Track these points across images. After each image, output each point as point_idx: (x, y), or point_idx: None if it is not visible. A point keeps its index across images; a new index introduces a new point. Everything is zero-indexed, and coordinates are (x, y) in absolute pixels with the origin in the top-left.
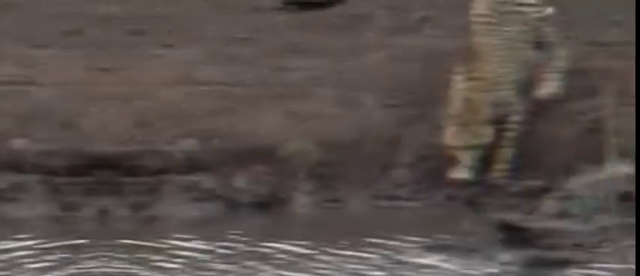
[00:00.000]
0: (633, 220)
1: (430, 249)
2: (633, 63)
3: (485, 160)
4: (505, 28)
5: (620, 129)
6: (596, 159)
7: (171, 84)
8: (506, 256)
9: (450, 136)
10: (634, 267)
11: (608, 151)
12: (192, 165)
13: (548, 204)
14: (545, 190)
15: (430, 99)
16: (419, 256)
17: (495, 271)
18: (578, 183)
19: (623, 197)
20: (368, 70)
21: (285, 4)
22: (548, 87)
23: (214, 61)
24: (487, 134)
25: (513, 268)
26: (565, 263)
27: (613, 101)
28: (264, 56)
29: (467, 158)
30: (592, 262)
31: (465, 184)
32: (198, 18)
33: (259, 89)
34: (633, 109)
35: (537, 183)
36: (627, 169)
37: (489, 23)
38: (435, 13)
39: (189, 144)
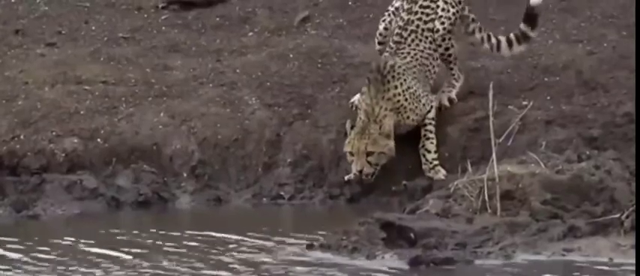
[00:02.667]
0: (515, 219)
1: (312, 247)
2: (514, 62)
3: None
4: (413, 47)
5: (502, 128)
6: (479, 158)
7: (54, 83)
8: (388, 255)
9: (348, 143)
10: (514, 267)
11: (491, 150)
12: (75, 164)
13: (431, 203)
14: (427, 190)
15: (311, 98)
16: (301, 254)
17: (377, 269)
18: (461, 182)
19: (505, 196)
20: (250, 70)
21: (168, 4)
22: (448, 93)
23: (97, 60)
24: (386, 144)
25: (395, 267)
26: (447, 262)
27: (495, 101)
28: (146, 55)
29: (358, 162)
30: (474, 261)
31: (347, 182)
32: (80, 17)
33: (141, 88)
34: (514, 109)
35: (420, 182)
36: (509, 168)
37: (398, 42)
38: (316, 13)
39: (72, 143)
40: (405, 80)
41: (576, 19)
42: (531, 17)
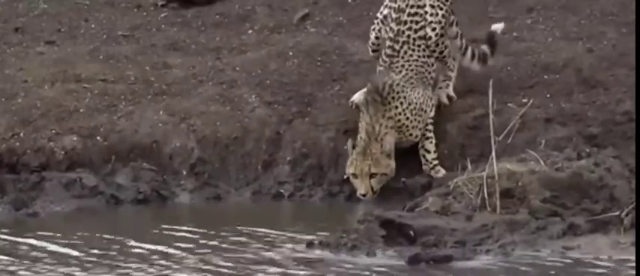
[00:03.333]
0: (514, 217)
1: (312, 245)
2: (514, 59)
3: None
4: (407, 59)
5: (501, 126)
6: (478, 156)
7: (53, 81)
8: (388, 252)
9: (350, 164)
10: (514, 265)
11: (490, 148)
12: (74, 162)
13: (431, 201)
14: (427, 187)
15: (311, 97)
16: (301, 252)
17: (377, 267)
18: (460, 180)
19: (505, 194)
20: (249, 68)
21: (167, 2)
22: (445, 89)
23: (96, 59)
24: (387, 165)
25: (395, 265)
26: (447, 260)
27: (494, 98)
28: (145, 53)
29: (363, 185)
30: (474, 259)
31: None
32: (80, 15)
33: (141, 86)
34: (514, 106)
35: (420, 180)
36: (508, 165)
37: (391, 56)
38: (316, 11)
39: (71, 141)
40: (405, 98)
41: (576, 17)
42: (492, 42)
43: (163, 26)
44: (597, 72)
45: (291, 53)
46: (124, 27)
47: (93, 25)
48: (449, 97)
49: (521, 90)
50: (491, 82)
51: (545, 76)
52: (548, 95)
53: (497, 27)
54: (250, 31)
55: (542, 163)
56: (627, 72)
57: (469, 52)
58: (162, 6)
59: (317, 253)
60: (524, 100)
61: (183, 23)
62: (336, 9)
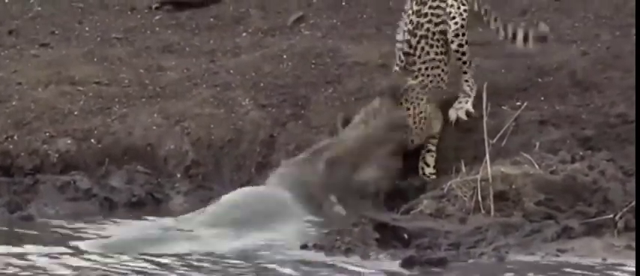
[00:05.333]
0: (509, 220)
1: (306, 248)
2: (508, 62)
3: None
4: (423, 59)
5: (495, 129)
6: (472, 159)
7: (47, 83)
8: (382, 255)
9: None
10: (509, 267)
11: (484, 150)
12: (68, 164)
13: (425, 203)
14: (421, 190)
15: (305, 99)
16: (295, 254)
17: (371, 270)
18: (455, 182)
19: (499, 197)
20: (243, 70)
21: (161, 4)
22: (461, 108)
23: (90, 61)
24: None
25: (389, 268)
26: (441, 263)
27: (488, 101)
28: (139, 56)
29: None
30: (468, 262)
31: None
32: (74, 17)
33: (135, 89)
34: (508, 109)
35: (413, 182)
36: (503, 168)
37: (407, 55)
38: (310, 14)
39: (65, 143)
40: (418, 104)
41: (570, 20)
42: (541, 39)
43: (157, 29)
44: (591, 75)
45: (285, 56)
46: (118, 29)
47: (87, 28)
48: (467, 113)
49: (516, 93)
50: (485, 85)
51: (539, 79)
52: (543, 98)
53: (544, 30)
54: (244, 34)
55: (537, 165)
56: (621, 75)
57: (520, 34)
58: (156, 8)
59: (311, 255)
60: (518, 103)
61: (178, 26)
62: (330, 11)
